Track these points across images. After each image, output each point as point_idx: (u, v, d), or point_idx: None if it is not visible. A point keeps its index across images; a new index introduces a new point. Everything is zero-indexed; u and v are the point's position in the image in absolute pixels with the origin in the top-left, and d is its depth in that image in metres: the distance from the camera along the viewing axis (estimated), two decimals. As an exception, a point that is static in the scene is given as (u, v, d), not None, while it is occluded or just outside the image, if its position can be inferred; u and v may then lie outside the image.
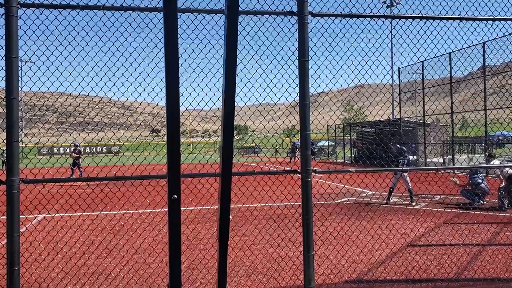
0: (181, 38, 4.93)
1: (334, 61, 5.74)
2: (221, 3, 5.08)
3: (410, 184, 13.18)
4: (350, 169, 5.42)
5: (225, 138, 2.76)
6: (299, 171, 4.79)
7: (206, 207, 12.23)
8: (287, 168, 5.06)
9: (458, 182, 12.93)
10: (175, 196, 2.80)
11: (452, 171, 22.52)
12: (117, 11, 4.59)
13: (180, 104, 2.77)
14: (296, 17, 4.79)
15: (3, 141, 4.27)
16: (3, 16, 4.13)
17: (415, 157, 22.47)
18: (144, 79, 5.12)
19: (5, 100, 4.10)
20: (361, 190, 16.28)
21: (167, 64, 2.56)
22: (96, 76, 4.82)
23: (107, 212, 11.38)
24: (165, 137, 2.72)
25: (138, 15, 4.66)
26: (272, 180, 7.85)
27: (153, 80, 5.13)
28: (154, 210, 11.89)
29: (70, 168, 22.25)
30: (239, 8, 4.66)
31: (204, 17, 4.85)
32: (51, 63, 4.65)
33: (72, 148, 22.86)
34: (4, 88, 4.10)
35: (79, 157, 22.90)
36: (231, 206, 2.94)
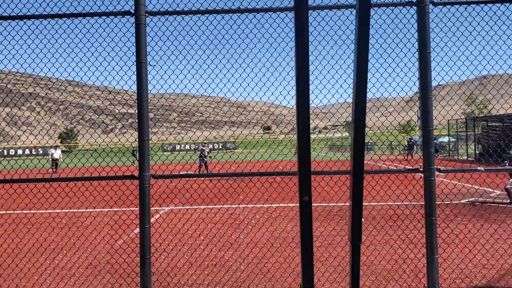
0: (312, 35, 4.96)
1: (454, 50, 5.33)
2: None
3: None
4: (479, 168, 4.98)
5: (357, 135, 2.67)
6: (421, 170, 4.52)
7: (322, 205, 12.15)
8: (408, 167, 4.80)
9: None
10: (306, 197, 2.74)
11: None
12: (250, 13, 4.74)
13: (311, 102, 2.75)
14: (415, 8, 4.58)
15: (135, 140, 4.67)
16: (133, 25, 4.51)
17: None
18: (260, 79, 5.24)
19: (136, 101, 4.47)
20: (491, 190, 14.92)
21: (298, 63, 2.54)
22: (216, 78, 5.06)
23: (228, 206, 11.88)
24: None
25: (278, 15, 4.79)
26: (391, 179, 7.53)
27: (268, 79, 5.23)
28: (271, 205, 12.13)
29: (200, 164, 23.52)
30: (372, 1, 4.60)
31: (335, 13, 4.83)
32: (176, 67, 4.97)
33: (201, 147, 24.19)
34: (136, 91, 4.47)
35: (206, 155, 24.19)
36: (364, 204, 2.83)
